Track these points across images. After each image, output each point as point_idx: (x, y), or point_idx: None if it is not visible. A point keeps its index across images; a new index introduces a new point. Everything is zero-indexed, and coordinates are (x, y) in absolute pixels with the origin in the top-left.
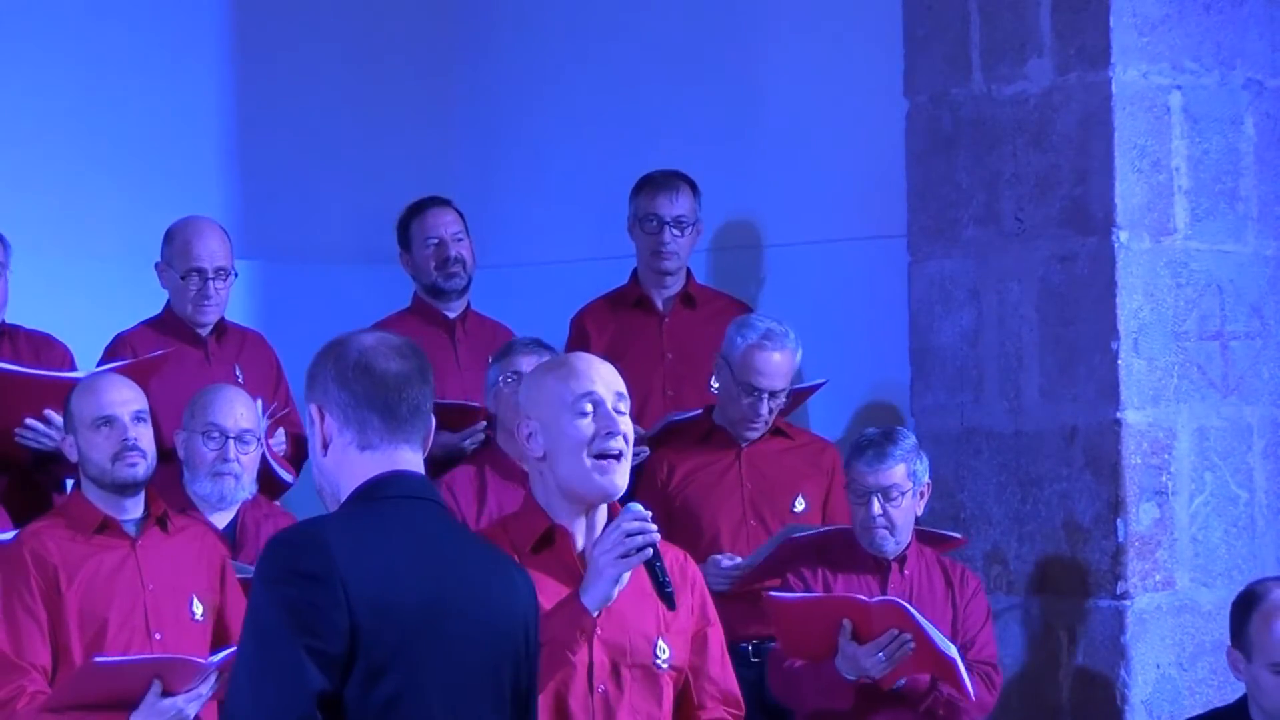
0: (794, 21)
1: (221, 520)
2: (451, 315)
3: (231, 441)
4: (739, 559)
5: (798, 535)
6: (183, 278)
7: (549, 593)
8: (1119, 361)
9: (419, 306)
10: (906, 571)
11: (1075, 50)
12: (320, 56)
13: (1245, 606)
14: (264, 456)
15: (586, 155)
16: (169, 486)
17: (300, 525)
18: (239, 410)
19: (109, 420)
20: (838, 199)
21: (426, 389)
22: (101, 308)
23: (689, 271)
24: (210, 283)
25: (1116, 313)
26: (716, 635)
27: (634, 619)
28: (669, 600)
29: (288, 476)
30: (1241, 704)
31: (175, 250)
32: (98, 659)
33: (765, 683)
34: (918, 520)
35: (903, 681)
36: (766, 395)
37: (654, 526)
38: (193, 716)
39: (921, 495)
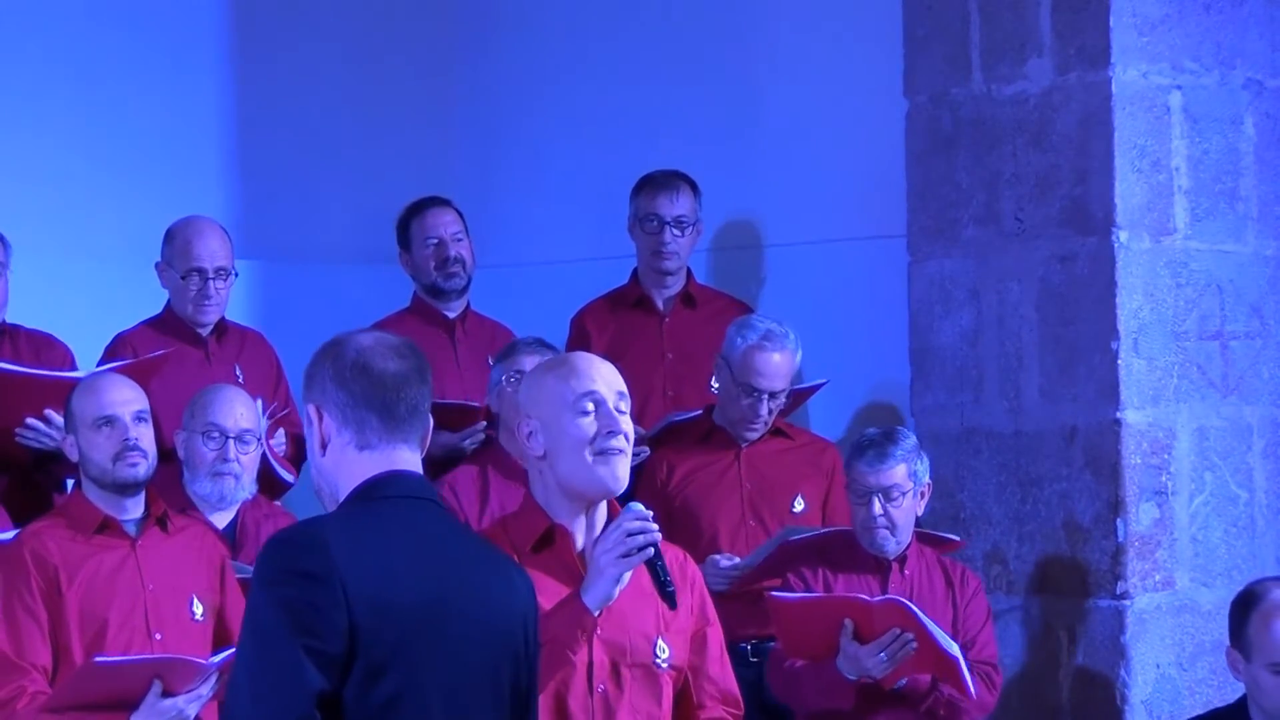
0: (794, 21)
1: (221, 520)
2: (451, 315)
3: (231, 441)
4: (737, 559)
5: (795, 538)
6: (183, 277)
7: (549, 592)
8: (1119, 361)
9: (418, 306)
10: (907, 571)
11: (1075, 50)
12: (320, 56)
13: (1244, 606)
14: (264, 456)
15: (586, 155)
16: (169, 486)
17: (299, 525)
18: (239, 410)
19: (110, 420)
20: (838, 199)
21: (425, 389)
22: (101, 308)
23: (689, 271)
24: (210, 282)
25: (1116, 313)
26: (716, 635)
27: (634, 618)
28: (670, 599)
29: (288, 476)
30: (1241, 704)
31: (175, 250)
32: (98, 659)
33: (764, 682)
34: (918, 521)
35: (904, 681)
36: (766, 396)
37: (655, 526)
38: (193, 717)
39: (922, 495)
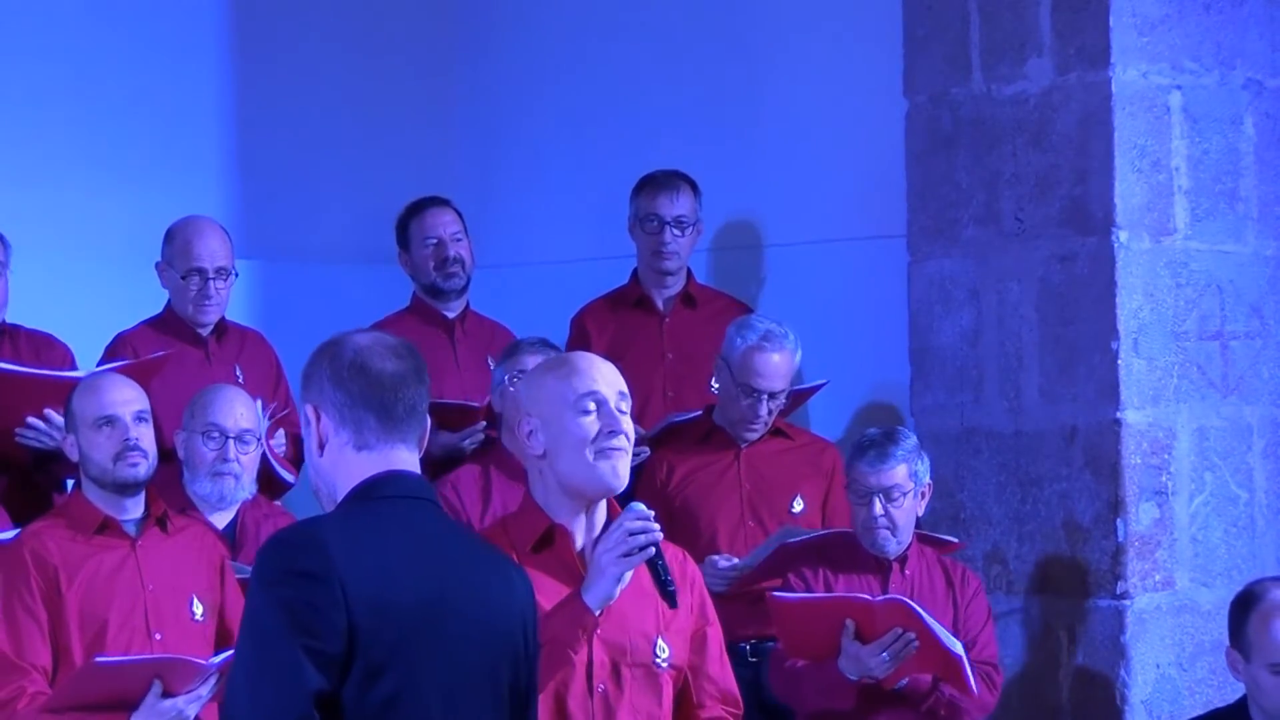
0: (794, 21)
1: (221, 520)
2: (450, 315)
3: (231, 441)
4: (736, 560)
5: (793, 540)
6: (183, 277)
7: (549, 592)
8: (1119, 361)
9: (418, 306)
10: (907, 571)
11: (1075, 50)
12: (320, 56)
13: (1244, 607)
14: (265, 457)
15: (586, 155)
16: (169, 486)
17: (297, 525)
18: (239, 410)
19: (110, 420)
20: (838, 199)
21: (422, 389)
22: (102, 308)
23: (689, 271)
24: (211, 282)
25: (1116, 313)
26: (715, 634)
27: (633, 618)
28: (671, 599)
29: (288, 477)
30: (1241, 704)
31: (176, 250)
32: (98, 659)
33: (763, 682)
34: (918, 521)
35: (905, 681)
36: (766, 396)
37: (657, 526)
38: (193, 717)
39: (923, 495)
